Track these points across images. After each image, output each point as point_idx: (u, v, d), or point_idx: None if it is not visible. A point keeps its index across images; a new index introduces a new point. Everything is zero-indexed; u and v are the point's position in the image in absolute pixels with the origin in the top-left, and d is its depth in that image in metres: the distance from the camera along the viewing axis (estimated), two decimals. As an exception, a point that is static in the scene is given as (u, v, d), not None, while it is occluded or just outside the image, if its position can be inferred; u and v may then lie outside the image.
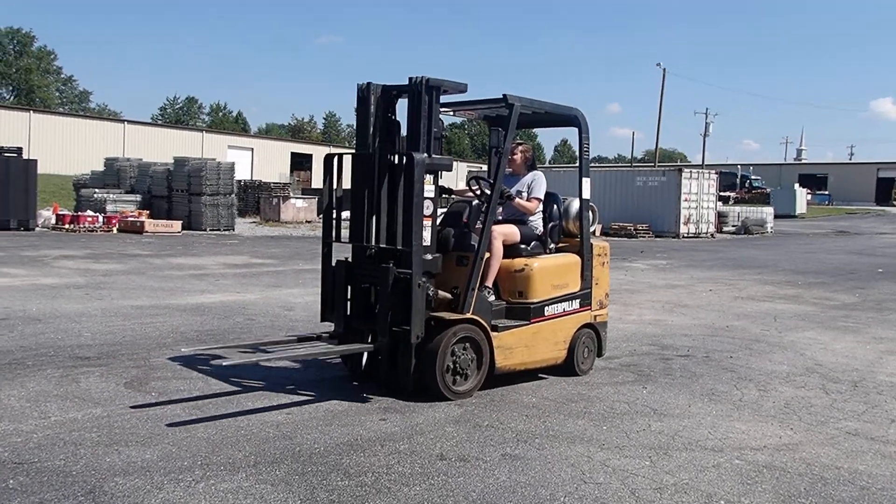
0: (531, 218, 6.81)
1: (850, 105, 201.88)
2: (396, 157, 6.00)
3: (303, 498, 3.96)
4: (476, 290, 6.01)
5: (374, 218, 6.06)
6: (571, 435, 5.23)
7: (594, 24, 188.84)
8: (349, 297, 6.21)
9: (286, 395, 5.88)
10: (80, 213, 25.45)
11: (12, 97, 75.31)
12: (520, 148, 6.86)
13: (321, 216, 6.42)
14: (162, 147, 49.45)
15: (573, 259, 6.87)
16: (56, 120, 51.49)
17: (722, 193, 44.67)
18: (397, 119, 6.20)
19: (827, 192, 73.01)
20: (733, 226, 38.06)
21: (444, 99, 5.95)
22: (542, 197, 6.78)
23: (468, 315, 5.94)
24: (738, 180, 67.72)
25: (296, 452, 4.61)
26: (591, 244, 6.98)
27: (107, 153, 36.77)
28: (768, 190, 62.76)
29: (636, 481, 4.41)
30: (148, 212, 26.78)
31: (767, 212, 39.77)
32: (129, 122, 55.78)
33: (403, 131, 6.07)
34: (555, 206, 6.97)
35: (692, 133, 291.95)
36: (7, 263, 13.99)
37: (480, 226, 6.23)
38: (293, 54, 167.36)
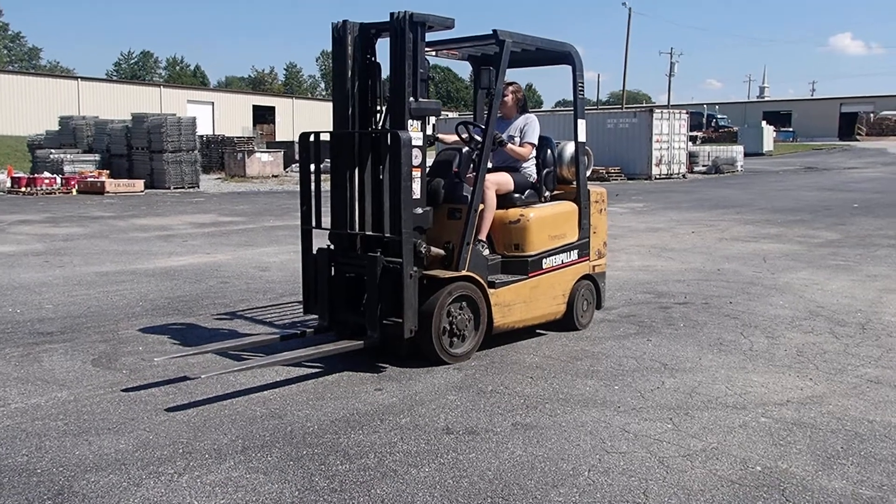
0: (524, 164, 6.35)
1: (810, 41, 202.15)
2: (380, 135, 5.43)
3: (300, 487, 3.53)
4: (471, 245, 5.56)
5: (357, 202, 5.53)
6: (583, 397, 4.85)
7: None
8: (333, 288, 5.67)
9: (272, 367, 5.40)
10: (36, 174, 24.47)
11: (-42, 56, 72.42)
12: (510, 88, 6.34)
13: (300, 192, 5.79)
14: (119, 104, 47.90)
15: (570, 207, 6.44)
16: (5, 79, 49.51)
17: (690, 133, 44.41)
18: (377, 61, 5.65)
19: (791, 129, 73.11)
20: (704, 166, 37.86)
21: (428, 37, 5.42)
22: (536, 141, 6.31)
23: (463, 272, 5.50)
24: (704, 120, 67.56)
25: (288, 433, 4.18)
26: (588, 190, 6.55)
27: (61, 112, 35.36)
28: (736, 129, 62.71)
29: (662, 448, 4.05)
30: (108, 171, 25.85)
31: (737, 150, 39.60)
32: (83, 78, 53.86)
33: (385, 74, 5.54)
34: (548, 151, 6.50)
35: (657, 74, 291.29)
36: (-40, 231, 13.25)
37: (472, 175, 5.75)
38: (249, 4, 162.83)
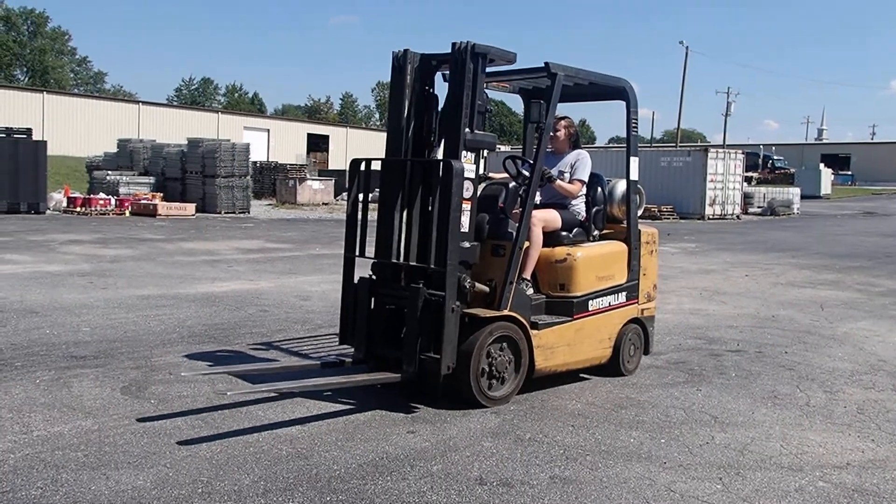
0: (573, 202, 6.12)
1: (870, 84, 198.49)
2: (433, 163, 5.31)
3: (321, 538, 3.33)
4: (514, 284, 5.34)
5: (403, 231, 5.38)
6: (627, 450, 4.57)
7: (614, 2, 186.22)
8: (372, 319, 5.50)
9: (302, 402, 5.22)
10: (91, 195, 24.95)
11: (27, 78, 74.90)
12: (562, 123, 6.15)
13: (346, 219, 5.66)
14: (177, 128, 48.86)
15: (619, 247, 6.19)
16: (70, 101, 51.00)
17: (745, 174, 43.63)
18: (435, 93, 5.53)
19: (850, 173, 71.51)
20: (759, 207, 37.10)
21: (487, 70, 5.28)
22: (586, 178, 6.09)
23: (505, 312, 5.28)
24: (760, 160, 66.46)
25: (312, 476, 3.98)
26: (639, 230, 6.29)
27: (121, 135, 36.16)
28: (792, 170, 61.52)
29: (711, 512, 3.75)
30: (161, 194, 26.23)
31: (794, 192, 38.78)
32: (144, 103, 55.22)
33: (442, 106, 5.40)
34: (598, 189, 6.27)
35: (712, 113, 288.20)
36: (11, 249, 13.45)
37: (518, 211, 5.55)
38: (306, 35, 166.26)
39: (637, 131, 6.24)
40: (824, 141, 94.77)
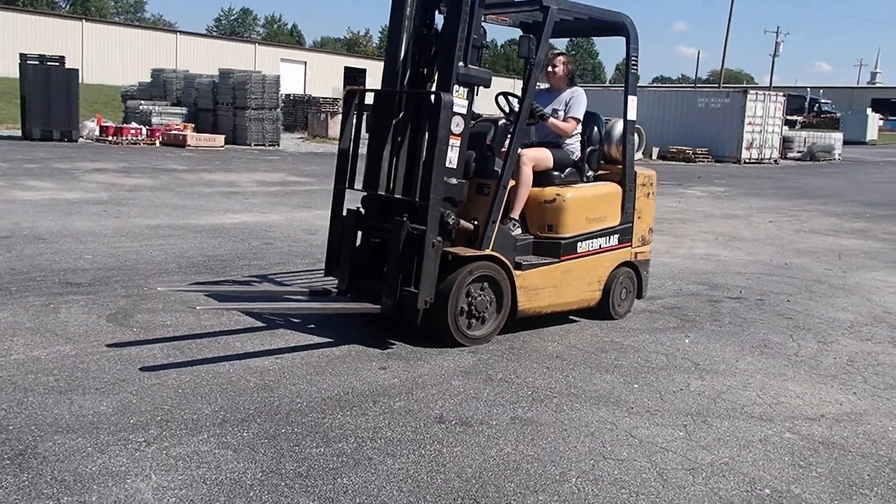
0: (567, 141, 5.99)
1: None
2: (424, 95, 5.20)
3: (265, 469, 3.37)
4: (498, 223, 5.27)
5: (391, 164, 5.32)
6: (597, 394, 4.54)
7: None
8: (357, 251, 5.52)
9: (281, 334, 5.26)
10: (124, 125, 25.13)
11: (67, 6, 75.01)
12: (560, 59, 5.98)
13: (338, 151, 5.63)
14: (214, 59, 48.62)
15: (613, 189, 6.06)
16: (108, 29, 51.04)
17: (789, 117, 42.45)
18: (436, 27, 5.41)
19: (901, 118, 69.27)
20: (798, 152, 36.14)
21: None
22: (581, 117, 5.94)
23: (487, 251, 5.23)
24: (806, 104, 64.60)
25: (272, 408, 4.02)
26: (635, 172, 6.15)
27: (159, 65, 36.16)
28: (838, 115, 59.75)
29: (666, 458, 3.73)
30: (193, 125, 26.31)
31: (836, 137, 37.67)
32: (182, 32, 55.10)
33: None
34: (595, 128, 6.12)
35: (761, 54, 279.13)
36: (36, 176, 13.64)
37: (506, 149, 5.45)
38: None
39: (636, 69, 6.05)
40: (877, 85, 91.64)
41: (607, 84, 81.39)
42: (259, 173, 16.80)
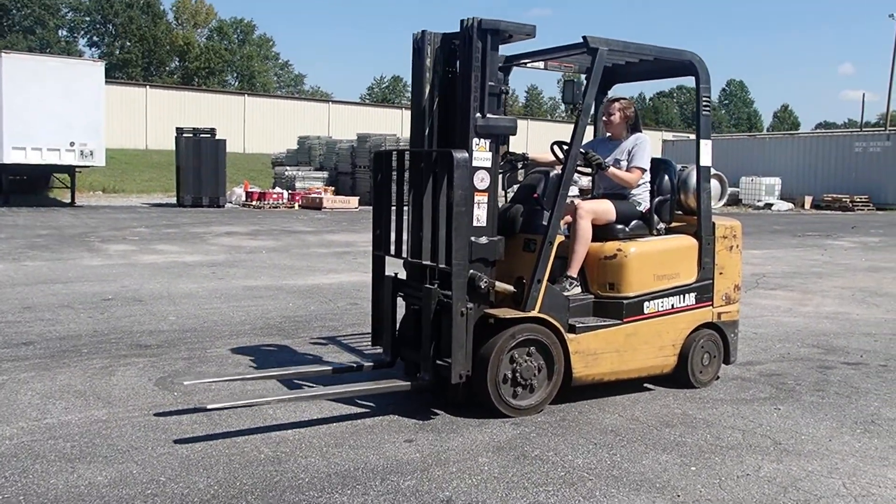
0: (634, 191, 5.51)
1: None
2: (432, 155, 4.87)
3: (228, 555, 3.10)
4: (543, 283, 4.84)
5: (414, 228, 5.05)
6: (641, 477, 3.98)
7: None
8: (398, 320, 5.28)
9: (320, 403, 5.00)
10: (269, 190, 26.36)
11: (236, 83, 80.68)
12: (616, 105, 5.55)
13: (372, 215, 5.46)
14: (363, 125, 50.51)
15: (687, 242, 5.49)
16: (267, 102, 54.22)
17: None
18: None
19: None
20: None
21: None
22: (646, 166, 5.46)
23: (532, 313, 4.80)
24: None
25: (270, 484, 3.76)
26: (714, 223, 5.55)
27: (314, 133, 37.83)
28: None
29: (698, 560, 3.15)
30: (333, 188, 27.30)
31: None
32: (334, 101, 57.74)
33: None
34: (666, 177, 5.61)
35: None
36: (167, 240, 14.34)
37: (552, 201, 5.04)
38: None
39: (708, 110, 5.49)
40: None
41: (764, 133, 77.78)
42: (381, 233, 16.94)
